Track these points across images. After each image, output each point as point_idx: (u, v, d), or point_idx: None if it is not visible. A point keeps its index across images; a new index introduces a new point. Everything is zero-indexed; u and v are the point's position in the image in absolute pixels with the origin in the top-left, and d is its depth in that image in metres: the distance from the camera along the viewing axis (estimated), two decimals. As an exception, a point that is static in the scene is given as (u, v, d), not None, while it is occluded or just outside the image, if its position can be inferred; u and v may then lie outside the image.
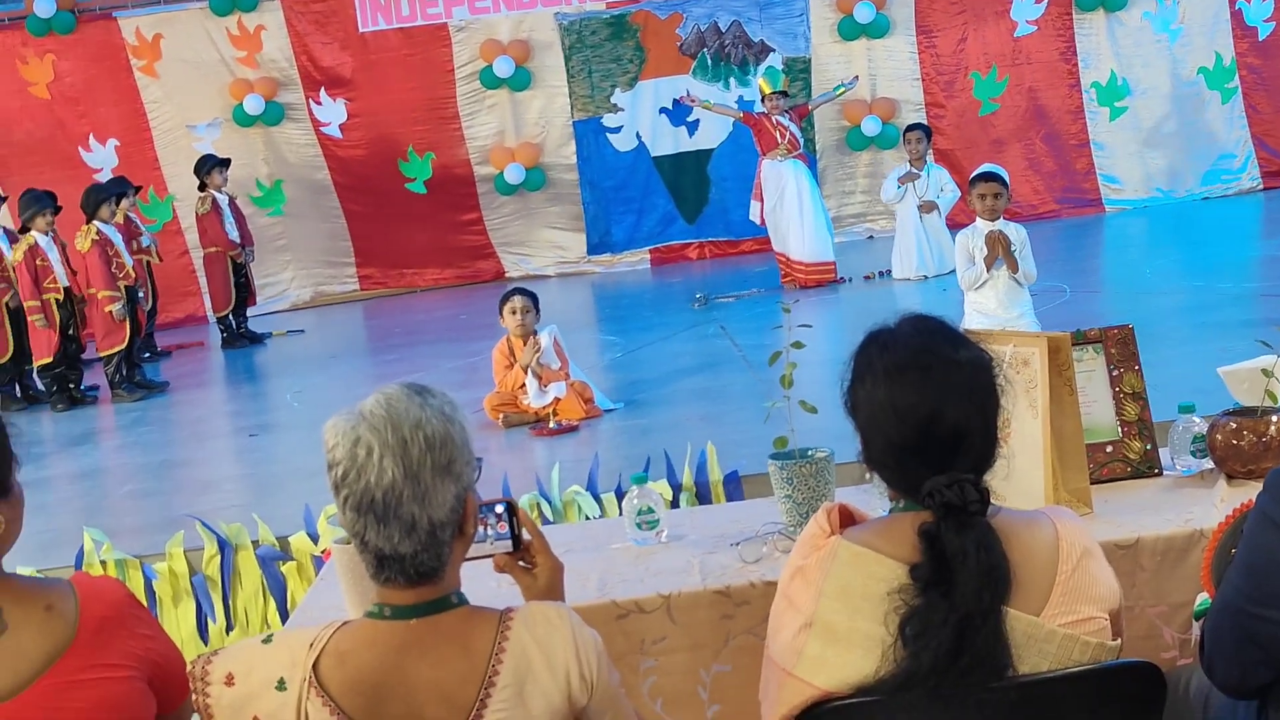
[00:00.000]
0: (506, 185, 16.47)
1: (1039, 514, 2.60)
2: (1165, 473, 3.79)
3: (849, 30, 16.47)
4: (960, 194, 12.83)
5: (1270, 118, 16.77)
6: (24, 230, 11.46)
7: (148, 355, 13.16)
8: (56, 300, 11.31)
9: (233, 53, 16.30)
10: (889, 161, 15.62)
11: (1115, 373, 3.81)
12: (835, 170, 16.72)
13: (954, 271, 8.63)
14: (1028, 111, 16.73)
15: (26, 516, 2.62)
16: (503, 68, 16.26)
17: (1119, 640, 2.52)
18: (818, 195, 13.48)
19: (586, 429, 8.31)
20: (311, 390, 10.86)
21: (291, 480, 7.69)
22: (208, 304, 14.88)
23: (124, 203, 12.69)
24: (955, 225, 11.67)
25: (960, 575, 2.37)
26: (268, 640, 2.37)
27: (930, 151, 13.73)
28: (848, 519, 2.65)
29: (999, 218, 8.04)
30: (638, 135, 16.74)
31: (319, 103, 16.40)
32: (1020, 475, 3.31)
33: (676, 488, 6.43)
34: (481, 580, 2.84)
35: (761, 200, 13.19)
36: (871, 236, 16.41)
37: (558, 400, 8.42)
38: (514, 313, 8.57)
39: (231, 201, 14.12)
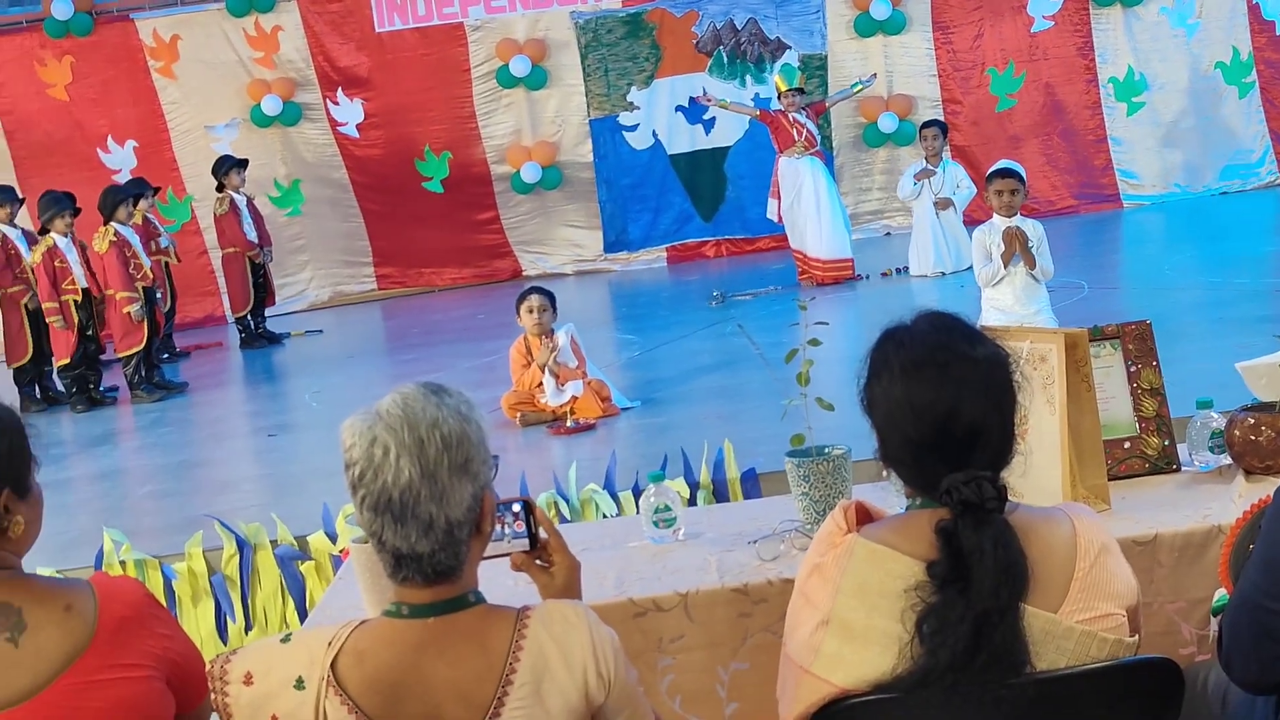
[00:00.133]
0: (523, 184, 16.50)
1: (1056, 510, 2.60)
2: (1183, 468, 3.78)
3: (865, 27, 16.46)
4: (976, 190, 12.82)
5: (1288, 112, 16.74)
6: (43, 232, 11.51)
7: (166, 356, 13.21)
8: (75, 302, 11.35)
9: (250, 53, 16.35)
10: (906, 158, 15.61)
11: (1133, 368, 3.80)
12: (852, 167, 16.71)
13: (971, 268, 8.62)
14: (1045, 107, 16.71)
15: (46, 517, 2.64)
16: (519, 67, 16.28)
17: (1136, 637, 2.51)
18: (835, 192, 13.47)
19: (604, 427, 8.32)
20: (330, 390, 10.88)
21: (310, 480, 7.70)
22: (226, 304, 14.93)
23: (141, 204, 12.73)
24: (972, 221, 11.65)
25: (978, 572, 2.37)
26: (286, 639, 2.38)
27: (947, 148, 13.71)
28: (864, 516, 2.65)
29: (1016, 214, 8.02)
30: (654, 133, 16.76)
31: (336, 103, 16.45)
32: (1038, 472, 3.30)
33: (694, 486, 6.43)
34: (499, 579, 2.84)
35: (779, 198, 13.19)
36: (889, 233, 16.40)
37: (575, 399, 8.42)
38: (531, 311, 8.58)
39: (249, 202, 14.15)
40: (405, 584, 2.35)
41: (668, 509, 3.70)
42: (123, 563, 6.41)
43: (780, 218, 13.28)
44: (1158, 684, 2.48)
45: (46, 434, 2.84)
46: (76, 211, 11.55)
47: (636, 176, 16.77)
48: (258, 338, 14.01)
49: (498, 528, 2.55)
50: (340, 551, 6.18)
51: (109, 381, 11.88)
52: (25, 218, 12.34)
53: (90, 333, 11.55)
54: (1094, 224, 15.72)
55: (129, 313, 11.26)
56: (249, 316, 14.00)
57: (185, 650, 2.60)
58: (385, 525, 2.30)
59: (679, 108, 16.62)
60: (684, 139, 16.79)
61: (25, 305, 11.63)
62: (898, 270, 13.35)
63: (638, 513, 3.85)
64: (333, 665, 2.30)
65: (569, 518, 6.26)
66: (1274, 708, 2.68)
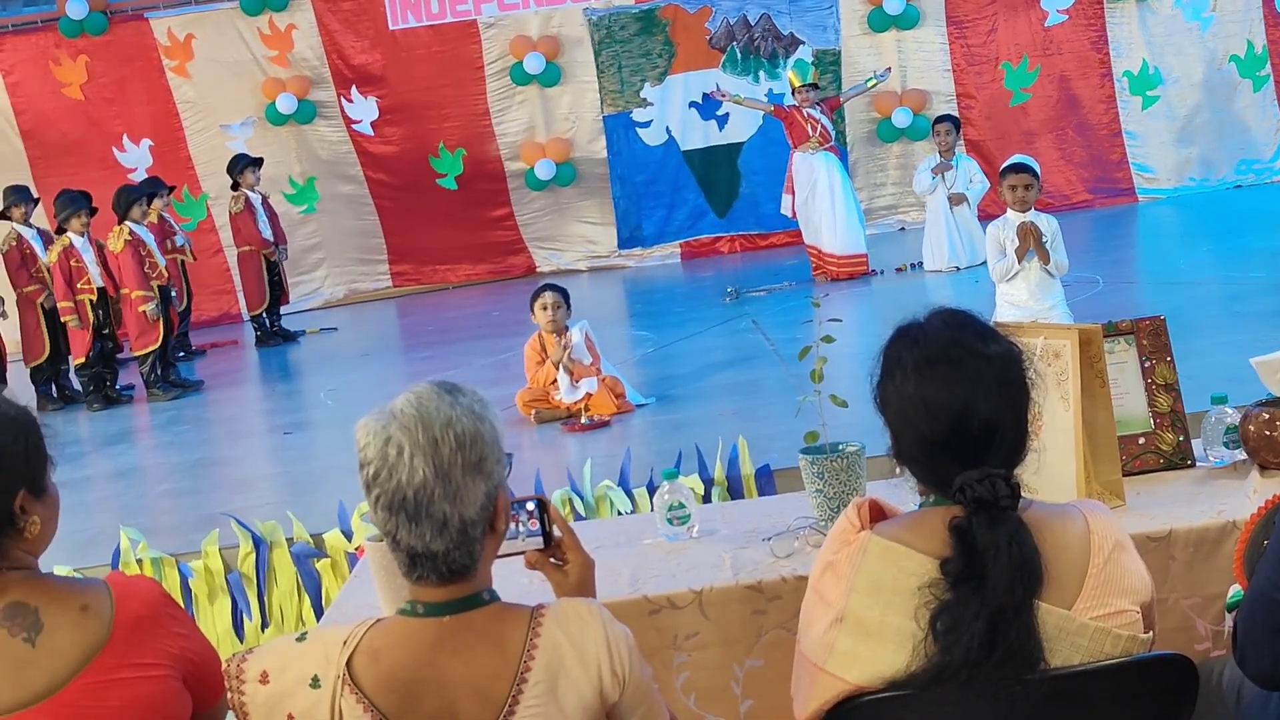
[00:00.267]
0: (537, 180, 16.50)
1: (1070, 507, 2.60)
2: (1198, 464, 3.77)
3: (879, 22, 16.43)
4: (990, 185, 12.79)
5: (1303, 105, 16.68)
6: (60, 231, 11.54)
7: (182, 354, 13.24)
8: (90, 301, 11.38)
9: (264, 52, 16.38)
10: (920, 153, 15.57)
11: (1147, 364, 3.80)
12: (866, 162, 16.69)
13: (985, 263, 8.61)
14: (1059, 101, 16.66)
15: (63, 516, 2.65)
16: (533, 64, 16.28)
17: (1150, 633, 2.51)
18: (849, 188, 13.45)
19: (618, 424, 8.32)
20: (345, 388, 10.89)
21: (326, 478, 7.72)
22: (242, 302, 14.96)
23: (156, 203, 12.76)
24: (987, 216, 11.62)
25: (992, 570, 2.37)
26: (302, 638, 2.38)
27: (960, 143, 13.69)
28: (878, 514, 2.65)
29: (1030, 209, 7.99)
30: (667, 129, 16.74)
31: (350, 100, 16.47)
32: (1052, 468, 3.30)
33: (708, 482, 6.43)
34: (513, 577, 2.85)
35: (793, 193, 13.18)
36: (903, 228, 16.38)
37: (589, 396, 8.43)
38: (545, 309, 8.59)
39: (264, 200, 14.19)
40: (420, 583, 2.36)
41: (682, 506, 3.71)
42: (139, 561, 6.43)
43: (794, 213, 13.28)
44: (1172, 680, 2.48)
45: (63, 432, 2.85)
46: (93, 211, 11.58)
47: (650, 173, 16.77)
48: (273, 336, 14.04)
49: (512, 526, 2.55)
50: (356, 549, 6.19)
51: (125, 380, 11.92)
52: (41, 217, 12.38)
53: (107, 331, 11.59)
54: (1109, 218, 15.68)
55: (144, 311, 11.29)
56: (264, 314, 14.03)
57: (201, 649, 2.61)
58: (400, 524, 2.31)
59: (692, 104, 16.60)
60: (698, 135, 16.77)
61: (41, 305, 11.68)
62: (912, 265, 13.34)
63: (652, 510, 3.85)
64: (348, 664, 2.31)
65: (584, 515, 6.27)
66: (1288, 703, 2.68)
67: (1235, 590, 2.87)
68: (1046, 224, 8.01)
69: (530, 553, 2.64)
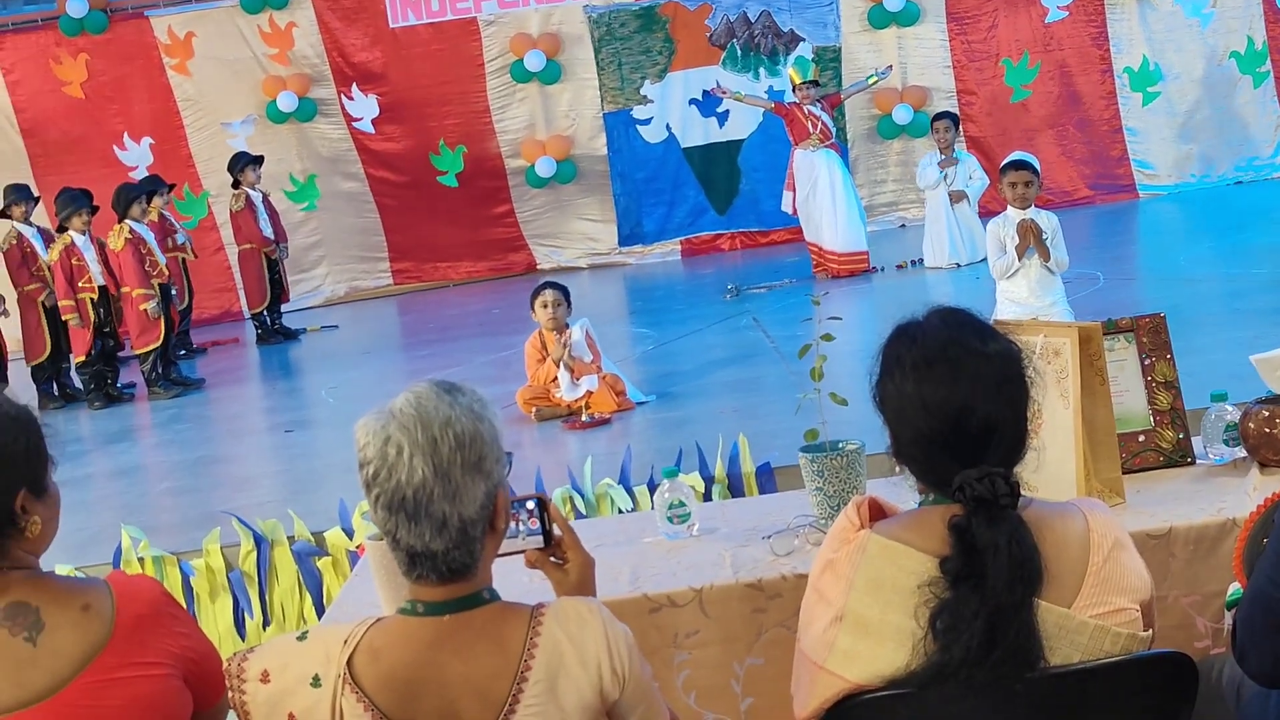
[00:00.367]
0: (537, 178, 16.51)
1: (1070, 505, 2.60)
2: (1198, 462, 3.77)
3: (879, 18, 16.43)
4: (990, 182, 12.79)
5: (1303, 101, 16.68)
6: (60, 230, 11.55)
7: (183, 352, 13.24)
8: (91, 299, 11.38)
9: (265, 50, 16.38)
10: (921, 150, 15.55)
11: (1147, 362, 3.80)
12: (867, 159, 16.69)
13: (986, 260, 8.61)
14: (1060, 98, 16.66)
15: (64, 514, 2.65)
16: (533, 61, 16.28)
17: (1150, 631, 2.51)
18: (850, 185, 13.46)
19: (619, 422, 8.33)
20: (346, 386, 10.90)
21: (327, 476, 7.73)
22: (243, 300, 14.96)
23: (156, 201, 12.76)
24: (987, 213, 11.62)
25: (991, 568, 2.37)
26: (302, 637, 2.39)
27: (960, 139, 13.68)
28: (878, 512, 2.65)
29: (1030, 206, 7.99)
30: (668, 127, 16.75)
31: (351, 98, 16.48)
32: (1052, 466, 3.30)
33: (709, 480, 6.43)
34: (513, 576, 2.85)
35: (794, 190, 13.18)
36: (904, 225, 16.37)
37: (590, 393, 8.43)
38: (545, 306, 8.59)
39: (265, 198, 14.19)
40: (420, 582, 2.36)
41: (682, 504, 3.71)
42: (141, 559, 6.43)
43: (795, 210, 13.28)
44: (1172, 678, 2.48)
45: (64, 431, 2.85)
46: (94, 209, 11.58)
47: (651, 170, 16.77)
48: (274, 334, 14.04)
49: (512, 525, 2.55)
50: (357, 547, 6.19)
51: (126, 378, 11.92)
52: (42, 215, 12.38)
53: (108, 330, 11.59)
54: (1109, 214, 15.67)
55: (145, 310, 11.30)
56: (265, 312, 14.03)
57: (202, 648, 2.61)
58: (399, 524, 2.31)
59: (693, 101, 16.61)
60: (698, 132, 16.77)
61: (42, 303, 11.68)
62: (913, 262, 13.34)
63: (653, 508, 3.85)
64: (349, 663, 2.31)
65: (584, 513, 6.27)
66: (1288, 701, 2.68)
67: (1235, 588, 2.87)
68: (1047, 221, 8.01)
69: (530, 551, 2.64)
